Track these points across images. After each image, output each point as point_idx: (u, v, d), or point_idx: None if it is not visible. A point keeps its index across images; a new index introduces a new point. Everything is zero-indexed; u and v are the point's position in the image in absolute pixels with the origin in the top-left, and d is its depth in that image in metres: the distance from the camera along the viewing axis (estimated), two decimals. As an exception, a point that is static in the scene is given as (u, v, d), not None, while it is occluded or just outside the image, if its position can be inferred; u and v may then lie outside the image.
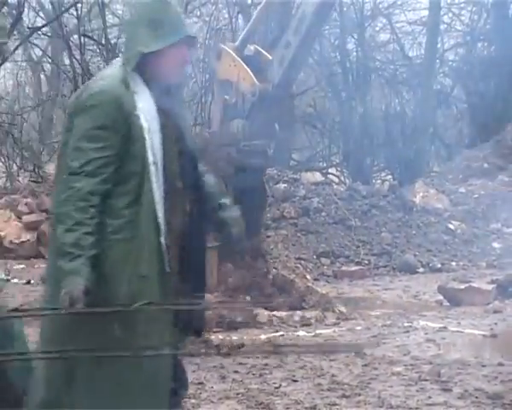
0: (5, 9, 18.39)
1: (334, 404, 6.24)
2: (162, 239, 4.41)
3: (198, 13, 18.29)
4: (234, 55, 10.02)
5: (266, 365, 7.21)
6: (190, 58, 4.70)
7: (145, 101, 4.48)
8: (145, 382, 4.32)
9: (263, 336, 8.22)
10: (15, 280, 10.52)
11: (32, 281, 10.44)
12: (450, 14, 20.13)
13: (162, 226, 4.43)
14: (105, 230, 4.36)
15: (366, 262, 12.02)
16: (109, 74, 4.64)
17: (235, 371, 7.04)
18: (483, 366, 7.36)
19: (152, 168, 4.39)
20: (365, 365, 7.36)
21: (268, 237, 11.27)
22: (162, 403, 4.38)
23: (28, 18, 18.97)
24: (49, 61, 20.70)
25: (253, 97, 9.70)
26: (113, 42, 18.05)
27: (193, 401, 6.28)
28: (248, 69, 9.74)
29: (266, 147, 10.02)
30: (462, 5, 20.33)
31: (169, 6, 4.67)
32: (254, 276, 9.40)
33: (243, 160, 9.54)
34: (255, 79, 9.69)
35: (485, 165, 15.52)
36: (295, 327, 8.65)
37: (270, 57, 9.84)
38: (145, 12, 4.74)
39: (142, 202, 4.39)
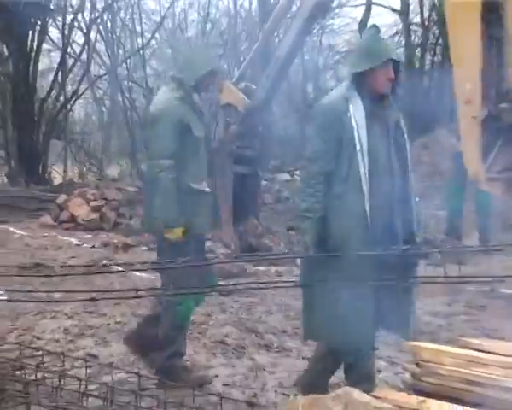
0: (78, 64, 18.29)
1: (298, 328, 6.23)
2: (366, 205, 4.45)
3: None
4: (231, 85, 10.10)
5: (252, 302, 7.18)
6: (394, 76, 4.65)
7: (356, 107, 4.51)
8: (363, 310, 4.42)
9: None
10: (85, 245, 10.44)
11: (95, 245, 10.37)
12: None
13: (366, 194, 4.45)
14: (327, 198, 4.47)
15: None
16: (332, 92, 4.76)
17: (232, 307, 7.03)
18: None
19: (358, 154, 4.45)
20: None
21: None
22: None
23: (94, 69, 18.85)
24: (108, 98, 20.60)
25: (243, 108, 9.80)
26: (151, 86, 17.99)
27: (203, 326, 6.25)
28: (241, 93, 9.85)
29: (256, 155, 10.25)
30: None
31: (377, 38, 4.70)
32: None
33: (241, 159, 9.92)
34: (246, 98, 9.83)
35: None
36: (273, 277, 8.59)
37: (255, 87, 10.01)
38: (359, 43, 4.89)
39: (350, 177, 4.47)
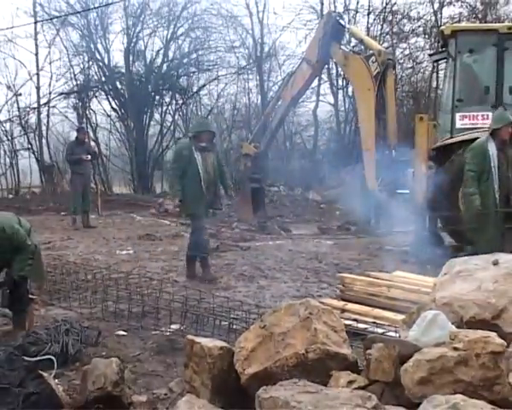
0: (168, 132, 18.18)
1: (282, 266, 6.10)
2: (497, 194, 4.67)
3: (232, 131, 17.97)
4: (247, 143, 10.07)
5: (257, 254, 7.00)
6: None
7: (491, 146, 4.67)
8: None
9: (258, 243, 8.00)
10: (172, 224, 10.16)
11: (177, 224, 9.95)
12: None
13: (497, 189, 4.66)
14: (479, 191, 4.70)
15: (293, 219, 11.45)
16: (478, 139, 4.89)
17: (247, 256, 6.87)
18: (337, 256, 6.91)
19: (493, 169, 4.65)
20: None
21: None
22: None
23: (176, 134, 18.66)
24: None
25: (253, 155, 9.75)
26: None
27: (232, 266, 6.18)
28: (253, 147, 9.80)
29: (261, 177, 10.01)
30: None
31: (503, 112, 4.97)
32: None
33: (254, 180, 9.60)
34: (255, 149, 9.78)
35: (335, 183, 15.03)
36: (267, 241, 8.43)
37: (259, 144, 9.95)
38: (496, 114, 5.03)
39: (488, 180, 4.67)
